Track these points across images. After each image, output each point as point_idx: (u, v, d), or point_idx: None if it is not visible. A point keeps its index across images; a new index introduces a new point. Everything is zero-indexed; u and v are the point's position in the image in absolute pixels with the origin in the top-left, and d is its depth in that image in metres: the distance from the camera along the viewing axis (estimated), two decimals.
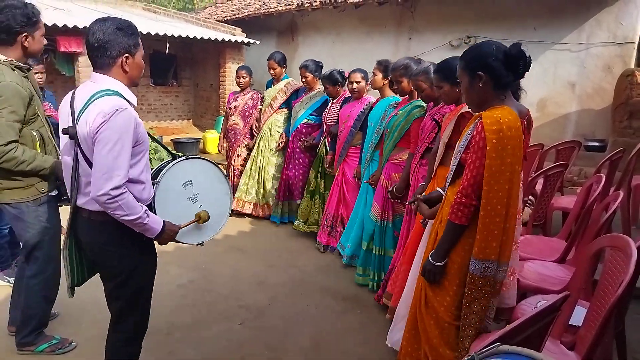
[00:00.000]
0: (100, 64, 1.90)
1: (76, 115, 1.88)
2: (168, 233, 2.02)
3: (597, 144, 6.48)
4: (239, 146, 5.42)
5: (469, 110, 2.44)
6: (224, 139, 5.57)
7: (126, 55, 1.89)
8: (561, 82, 7.00)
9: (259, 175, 5.23)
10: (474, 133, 1.85)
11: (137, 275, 2.09)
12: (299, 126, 4.94)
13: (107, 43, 1.86)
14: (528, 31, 7.02)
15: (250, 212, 5.29)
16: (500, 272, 1.88)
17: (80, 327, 2.99)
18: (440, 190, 2.35)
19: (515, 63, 1.84)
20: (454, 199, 1.93)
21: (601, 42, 6.62)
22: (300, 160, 4.98)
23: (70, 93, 1.99)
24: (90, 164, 1.86)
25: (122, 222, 1.86)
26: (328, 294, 3.63)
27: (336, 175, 4.36)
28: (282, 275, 3.96)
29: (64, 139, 1.96)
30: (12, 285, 3.25)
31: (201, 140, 9.66)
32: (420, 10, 8.42)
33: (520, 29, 7.08)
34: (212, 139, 9.14)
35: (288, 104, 5.18)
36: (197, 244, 2.30)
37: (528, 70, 1.89)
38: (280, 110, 5.21)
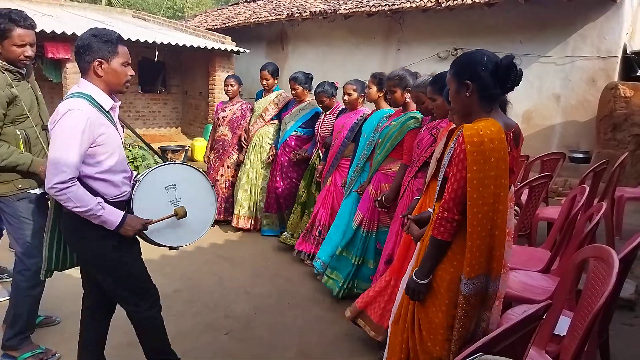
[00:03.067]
0: (81, 68, 2.06)
1: None
2: (130, 225, 2.09)
3: (581, 155, 6.58)
4: (228, 157, 5.32)
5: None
6: (211, 151, 5.46)
7: (99, 60, 2.01)
8: (546, 95, 7.11)
9: (251, 188, 5.16)
10: (455, 145, 1.80)
11: (114, 267, 2.15)
12: (288, 138, 4.91)
13: (81, 48, 2.02)
14: (514, 44, 7.14)
15: (244, 227, 5.15)
16: (490, 287, 1.83)
17: (64, 337, 2.94)
18: (431, 210, 2.33)
19: (505, 76, 1.79)
20: (436, 214, 1.87)
21: (585, 55, 6.75)
22: (290, 173, 4.93)
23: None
24: None
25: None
26: (314, 304, 3.62)
27: (326, 184, 4.31)
28: (268, 285, 3.94)
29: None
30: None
31: (189, 148, 9.62)
32: (408, 23, 8.52)
33: (507, 42, 7.20)
34: (200, 147, 9.11)
35: (279, 116, 5.14)
36: (172, 247, 2.33)
37: (517, 85, 1.83)
38: (271, 122, 5.16)
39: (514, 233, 1.99)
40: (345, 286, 3.59)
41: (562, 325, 2.09)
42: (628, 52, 6.61)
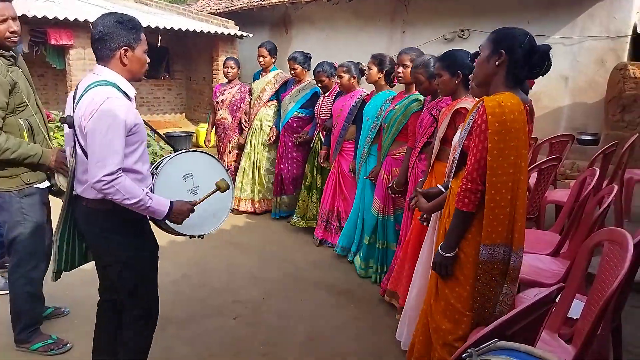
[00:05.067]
0: (101, 56, 1.94)
1: (74, 104, 1.93)
2: (179, 211, 2.01)
3: (590, 137, 6.51)
4: (229, 142, 5.35)
5: (465, 106, 2.45)
6: (213, 134, 5.52)
7: (125, 48, 1.92)
8: (554, 76, 7.00)
9: (253, 171, 5.19)
10: (476, 117, 1.82)
11: (133, 266, 2.08)
12: (290, 120, 4.90)
13: (106, 35, 1.90)
14: (522, 24, 6.88)
15: (246, 210, 5.23)
16: (513, 258, 1.83)
17: (73, 324, 2.97)
18: (440, 186, 2.33)
19: (537, 61, 1.83)
20: (459, 186, 1.88)
21: (594, 35, 6.64)
22: (294, 154, 4.94)
23: (78, 83, 2.02)
24: (84, 152, 1.89)
25: (124, 208, 1.88)
26: (322, 289, 3.63)
27: (331, 169, 4.34)
28: (276, 270, 3.95)
29: (66, 128, 2.00)
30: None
31: (194, 134, 9.61)
32: (413, 4, 8.39)
33: (514, 22, 7.00)
34: (204, 132, 9.06)
35: (277, 96, 5.12)
36: (198, 236, 2.28)
37: (543, 74, 1.87)
38: (269, 103, 5.15)
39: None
40: (378, 271, 3.69)
41: (576, 309, 2.07)
42: (638, 31, 6.48)
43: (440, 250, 1.95)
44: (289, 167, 4.95)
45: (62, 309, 3.06)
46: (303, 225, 4.71)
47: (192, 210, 2.07)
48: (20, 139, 2.41)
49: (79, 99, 1.89)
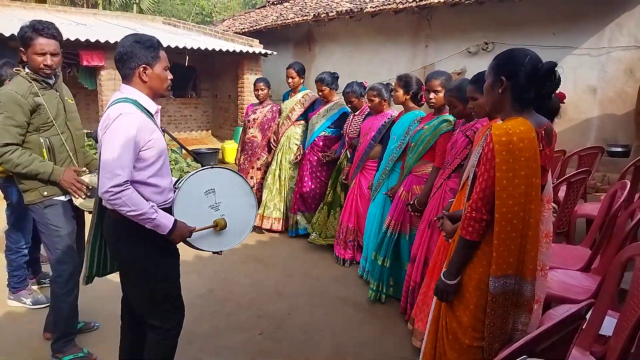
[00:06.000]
0: (124, 75, 2.05)
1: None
2: (180, 231, 2.09)
3: (620, 149, 6.34)
4: (257, 159, 5.38)
5: None
6: (241, 152, 5.52)
7: (143, 66, 2.02)
8: (582, 87, 6.89)
9: (279, 188, 5.21)
10: (484, 145, 1.77)
11: (151, 277, 2.12)
12: (316, 139, 4.92)
13: (126, 55, 2.01)
14: (547, 37, 6.95)
15: (270, 227, 5.20)
16: (524, 289, 1.77)
17: (103, 337, 3.03)
18: None
19: (542, 81, 1.76)
20: (464, 213, 1.85)
21: (622, 46, 6.51)
22: (319, 173, 4.94)
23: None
24: None
25: (135, 223, 1.97)
26: (346, 304, 3.61)
27: (351, 186, 4.33)
28: (299, 285, 3.95)
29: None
30: (30, 306, 3.39)
31: (220, 151, 9.76)
32: (436, 18, 8.40)
33: (539, 34, 7.01)
34: (230, 149, 9.23)
35: (305, 115, 5.16)
36: (215, 252, 2.32)
37: (554, 92, 1.80)
38: (298, 122, 5.19)
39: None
40: (377, 289, 3.62)
41: (608, 326, 2.01)
42: None
43: (442, 277, 1.92)
44: (312, 186, 4.95)
45: (92, 324, 3.14)
46: (322, 242, 4.66)
47: (190, 235, 2.14)
48: (35, 156, 2.58)
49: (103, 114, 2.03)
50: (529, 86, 1.77)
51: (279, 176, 5.21)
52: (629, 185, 3.09)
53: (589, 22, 6.70)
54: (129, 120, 1.92)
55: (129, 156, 1.92)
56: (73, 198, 2.69)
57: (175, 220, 2.07)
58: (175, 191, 2.18)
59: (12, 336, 3.02)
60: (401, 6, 8.17)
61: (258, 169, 5.39)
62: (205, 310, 3.45)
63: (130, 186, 1.94)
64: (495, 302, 1.77)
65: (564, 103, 2.91)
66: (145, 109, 2.03)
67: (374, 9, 8.57)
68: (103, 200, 2.04)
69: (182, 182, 2.20)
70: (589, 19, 6.69)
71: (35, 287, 3.61)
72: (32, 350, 2.86)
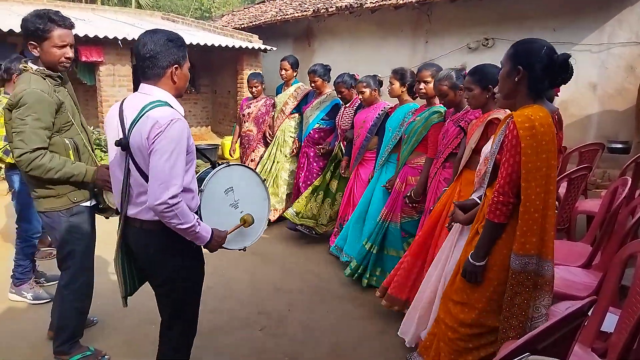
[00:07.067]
0: (150, 75, 1.91)
1: (127, 126, 1.88)
2: (217, 239, 2.04)
3: (620, 145, 6.34)
4: (253, 151, 5.46)
5: (497, 117, 2.48)
6: (237, 145, 5.64)
7: (176, 66, 1.91)
8: (582, 84, 6.87)
9: (271, 180, 5.22)
10: (507, 132, 1.87)
11: (185, 283, 2.11)
12: (311, 131, 4.95)
13: (159, 54, 1.88)
14: (547, 32, 6.92)
15: None
16: (545, 269, 1.86)
17: (104, 334, 3.02)
18: (476, 198, 2.34)
19: (556, 72, 1.86)
20: (491, 198, 1.94)
21: (623, 42, 6.49)
22: (315, 165, 4.97)
23: (118, 104, 1.99)
24: (143, 175, 1.87)
25: (174, 231, 1.88)
26: (345, 301, 3.61)
27: (350, 178, 4.35)
28: (298, 281, 3.95)
29: (114, 151, 1.97)
30: (30, 301, 3.35)
31: (220, 146, 9.75)
32: (436, 13, 8.38)
33: (539, 30, 6.99)
34: (230, 144, 9.21)
35: (299, 109, 5.21)
36: (240, 249, 2.32)
37: (565, 83, 1.89)
38: (292, 115, 5.24)
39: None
40: (356, 270, 3.75)
41: (609, 322, 2.01)
42: None
43: (470, 259, 2.01)
44: (310, 179, 4.97)
45: (92, 319, 3.09)
46: (295, 221, 4.59)
47: (225, 241, 2.10)
48: (65, 158, 2.42)
49: (136, 120, 1.84)
50: (545, 77, 1.87)
51: (271, 169, 5.22)
52: (629, 182, 3.08)
53: (589, 18, 6.69)
54: (181, 126, 1.81)
55: (182, 164, 1.81)
56: (106, 199, 2.57)
57: (212, 230, 2.00)
58: (200, 194, 2.09)
59: (12, 332, 3.01)
60: (401, 1, 8.13)
61: (252, 160, 5.45)
62: (206, 307, 3.41)
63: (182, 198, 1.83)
64: (514, 279, 1.88)
65: (557, 96, 2.97)
66: (177, 111, 1.91)
67: (373, 4, 8.54)
68: (135, 211, 1.95)
69: (204, 184, 2.12)
70: (589, 15, 6.67)
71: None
72: (32, 347, 2.85)
